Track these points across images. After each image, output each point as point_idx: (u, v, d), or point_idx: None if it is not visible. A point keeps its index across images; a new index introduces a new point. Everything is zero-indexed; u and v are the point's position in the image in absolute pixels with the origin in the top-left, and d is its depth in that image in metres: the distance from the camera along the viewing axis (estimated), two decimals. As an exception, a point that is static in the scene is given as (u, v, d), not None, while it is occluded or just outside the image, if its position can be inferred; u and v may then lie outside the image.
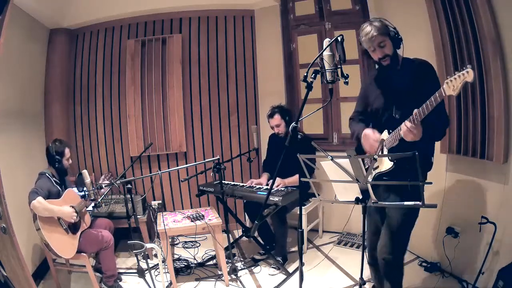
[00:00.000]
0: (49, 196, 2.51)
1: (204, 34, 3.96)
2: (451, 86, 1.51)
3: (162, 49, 3.85)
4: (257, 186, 3.19)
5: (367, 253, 2.28)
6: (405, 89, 1.90)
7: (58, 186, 2.68)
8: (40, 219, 2.41)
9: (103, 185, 2.72)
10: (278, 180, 3.11)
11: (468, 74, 1.45)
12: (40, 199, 2.38)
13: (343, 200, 1.91)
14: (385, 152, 1.92)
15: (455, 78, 1.49)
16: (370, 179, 1.99)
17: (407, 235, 2.04)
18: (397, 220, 1.98)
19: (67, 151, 2.76)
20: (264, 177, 3.42)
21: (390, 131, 1.91)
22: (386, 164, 1.90)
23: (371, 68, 3.47)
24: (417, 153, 1.50)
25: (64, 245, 2.50)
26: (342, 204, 3.21)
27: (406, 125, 1.73)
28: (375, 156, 1.79)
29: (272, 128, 3.34)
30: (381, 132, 1.99)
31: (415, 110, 1.70)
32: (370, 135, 2.02)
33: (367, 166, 2.04)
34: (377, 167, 1.97)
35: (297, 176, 3.04)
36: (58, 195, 2.62)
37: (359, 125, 2.16)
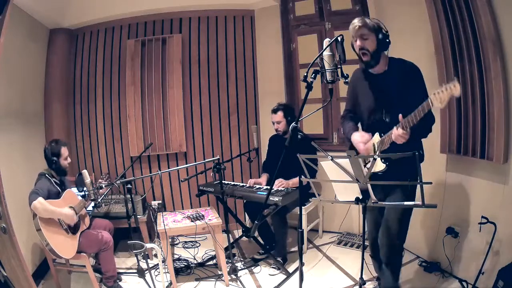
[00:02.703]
0: (48, 196, 2.51)
1: (204, 34, 3.96)
2: (438, 98, 1.57)
3: (162, 49, 3.86)
4: (257, 186, 3.19)
5: (369, 246, 2.36)
6: (393, 92, 1.94)
7: (57, 187, 2.68)
8: (40, 219, 2.41)
9: (103, 185, 2.71)
10: (282, 181, 3.11)
11: (454, 88, 1.50)
12: (41, 199, 2.38)
13: (343, 200, 1.91)
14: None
15: (442, 91, 1.55)
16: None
17: (406, 223, 2.12)
18: (395, 211, 2.05)
19: (63, 150, 2.73)
20: (264, 177, 3.42)
21: (382, 134, 1.96)
22: (378, 166, 1.94)
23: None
24: (417, 153, 1.50)
25: (64, 245, 2.50)
26: (342, 204, 3.22)
27: (397, 132, 1.80)
28: (375, 156, 1.79)
29: (273, 123, 3.34)
30: (370, 133, 2.05)
31: (401, 118, 1.77)
32: (357, 140, 2.08)
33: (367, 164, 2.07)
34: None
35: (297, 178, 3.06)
36: (57, 196, 2.62)
37: (349, 125, 2.23)
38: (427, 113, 1.72)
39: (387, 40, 1.96)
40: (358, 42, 1.96)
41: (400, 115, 1.78)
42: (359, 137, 2.09)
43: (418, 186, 1.57)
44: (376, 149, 1.99)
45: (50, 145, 2.73)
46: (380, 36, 1.93)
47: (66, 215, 2.52)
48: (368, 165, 2.01)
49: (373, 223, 2.27)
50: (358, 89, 2.19)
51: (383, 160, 1.92)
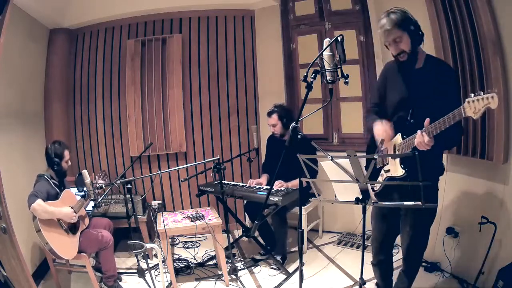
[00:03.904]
0: (47, 198, 2.51)
1: (204, 34, 3.96)
2: (472, 107, 1.42)
3: (162, 49, 3.85)
4: (257, 186, 3.19)
5: (372, 254, 2.27)
6: (424, 92, 1.82)
7: (56, 188, 2.68)
8: (40, 220, 2.41)
9: (103, 185, 2.72)
10: (281, 182, 3.11)
11: (492, 100, 1.37)
12: (39, 201, 2.38)
13: (343, 200, 1.91)
14: (397, 158, 1.88)
15: (477, 100, 1.40)
16: (381, 179, 1.98)
17: (427, 233, 2.06)
18: (415, 223, 1.99)
19: (66, 153, 2.77)
20: (264, 178, 3.42)
21: (405, 136, 1.86)
22: (398, 171, 1.87)
23: (371, 68, 3.47)
24: (417, 153, 1.50)
25: (64, 246, 2.50)
26: (342, 204, 3.21)
27: (421, 138, 1.67)
28: (375, 156, 1.78)
29: (269, 126, 3.33)
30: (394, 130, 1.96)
31: (427, 122, 1.64)
32: (379, 125, 1.96)
33: (379, 166, 2.03)
34: (388, 170, 1.96)
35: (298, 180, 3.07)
36: (56, 197, 2.62)
37: (373, 117, 2.09)
38: (458, 124, 1.58)
39: (420, 33, 1.82)
40: (393, 50, 1.83)
41: (427, 120, 1.64)
42: (380, 124, 1.96)
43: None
44: (396, 151, 1.92)
45: (53, 145, 2.74)
46: (413, 31, 1.79)
47: (65, 214, 2.52)
48: (386, 168, 1.96)
49: (383, 232, 2.17)
50: (388, 82, 2.05)
51: (402, 166, 1.84)
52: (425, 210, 1.84)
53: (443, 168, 2.02)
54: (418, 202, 1.58)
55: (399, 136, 1.92)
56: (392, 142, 1.98)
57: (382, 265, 2.24)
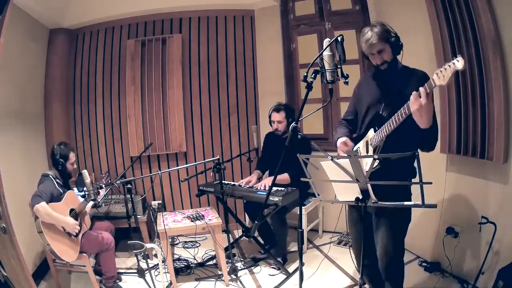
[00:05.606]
0: (51, 199, 2.50)
1: (204, 34, 3.96)
2: (440, 76, 1.52)
3: (162, 49, 3.86)
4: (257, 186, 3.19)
5: (356, 260, 2.21)
6: (398, 91, 1.85)
7: (60, 189, 2.67)
8: (42, 222, 2.40)
9: (103, 185, 2.71)
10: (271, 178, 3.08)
11: (458, 63, 1.47)
12: (43, 204, 2.38)
13: (343, 200, 1.91)
14: (370, 151, 1.89)
15: (445, 69, 1.51)
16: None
17: (401, 241, 2.00)
18: (388, 230, 1.94)
19: (71, 155, 2.77)
20: (255, 175, 3.39)
21: (376, 128, 1.88)
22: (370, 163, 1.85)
23: (370, 68, 3.47)
24: (417, 153, 1.50)
25: (66, 248, 2.50)
26: (342, 204, 3.21)
27: (420, 101, 1.58)
28: (375, 156, 1.78)
29: (272, 123, 3.30)
30: (366, 131, 1.98)
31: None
32: (339, 146, 2.03)
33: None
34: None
35: (285, 174, 3.06)
36: (60, 198, 2.61)
37: (340, 130, 2.16)
38: (432, 129, 1.65)
39: (400, 43, 1.89)
40: (377, 60, 1.91)
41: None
42: (341, 144, 2.02)
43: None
44: (369, 146, 1.92)
45: (59, 146, 2.74)
46: (394, 43, 1.87)
47: (68, 224, 2.51)
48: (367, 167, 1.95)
49: (360, 235, 2.05)
50: (362, 90, 2.12)
51: (374, 157, 1.80)
52: (399, 215, 1.89)
53: (415, 171, 1.94)
54: (418, 203, 1.58)
55: (371, 131, 1.94)
56: (364, 139, 1.98)
57: (369, 270, 2.16)
